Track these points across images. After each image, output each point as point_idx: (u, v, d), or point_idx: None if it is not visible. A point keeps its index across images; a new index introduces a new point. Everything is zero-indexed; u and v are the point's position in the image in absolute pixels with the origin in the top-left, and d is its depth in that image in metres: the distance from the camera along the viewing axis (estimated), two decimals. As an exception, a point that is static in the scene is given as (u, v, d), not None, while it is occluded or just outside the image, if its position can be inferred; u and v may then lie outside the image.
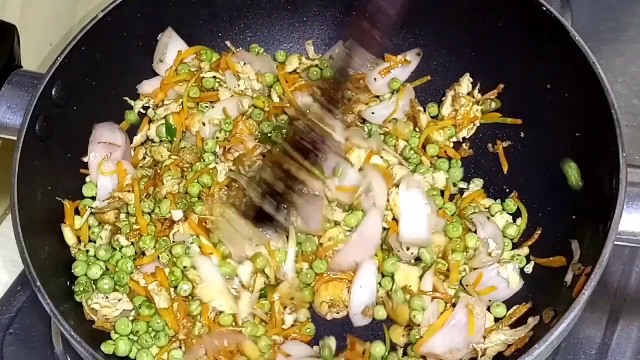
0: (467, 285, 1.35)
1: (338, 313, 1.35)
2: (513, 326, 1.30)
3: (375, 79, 1.56)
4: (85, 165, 1.46)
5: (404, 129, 1.50)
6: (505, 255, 1.37)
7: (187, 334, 1.30)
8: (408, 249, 1.35)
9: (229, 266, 1.34)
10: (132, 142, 1.53)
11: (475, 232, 1.38)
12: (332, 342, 1.34)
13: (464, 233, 1.37)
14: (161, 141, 1.52)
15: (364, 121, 1.54)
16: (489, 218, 1.39)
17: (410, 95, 1.54)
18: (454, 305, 1.31)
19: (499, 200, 1.45)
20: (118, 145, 1.46)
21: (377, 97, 1.57)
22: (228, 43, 1.60)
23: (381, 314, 1.34)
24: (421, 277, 1.35)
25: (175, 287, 1.33)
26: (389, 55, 1.56)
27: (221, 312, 1.32)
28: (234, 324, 1.32)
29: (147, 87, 1.56)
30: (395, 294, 1.33)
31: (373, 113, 1.54)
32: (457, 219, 1.40)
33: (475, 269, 1.36)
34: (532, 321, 1.27)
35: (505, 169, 1.48)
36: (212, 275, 1.32)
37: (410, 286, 1.34)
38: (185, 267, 1.32)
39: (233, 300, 1.33)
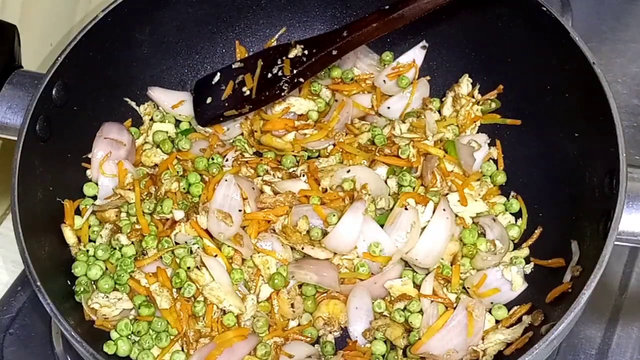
0: (468, 287, 1.35)
1: (331, 332, 1.35)
2: (511, 325, 1.30)
3: (384, 80, 1.56)
4: (87, 162, 1.46)
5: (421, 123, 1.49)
6: (505, 257, 1.38)
7: (195, 338, 1.30)
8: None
9: (239, 272, 1.34)
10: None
11: (484, 234, 1.38)
12: (331, 338, 1.34)
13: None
14: (158, 147, 1.52)
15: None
16: (494, 219, 1.39)
17: (424, 89, 1.55)
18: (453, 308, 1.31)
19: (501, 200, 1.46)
20: (123, 143, 1.47)
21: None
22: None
23: (380, 335, 1.33)
24: (420, 282, 1.36)
25: (179, 288, 1.33)
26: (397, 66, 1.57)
27: (224, 313, 1.32)
28: (236, 324, 1.32)
29: (157, 92, 1.57)
30: (396, 312, 1.33)
31: (388, 107, 1.54)
32: (472, 226, 1.40)
33: (478, 270, 1.36)
34: (527, 319, 1.27)
35: (501, 169, 1.48)
36: (220, 276, 1.32)
37: (407, 294, 1.34)
38: (188, 268, 1.33)
39: (240, 301, 1.33)
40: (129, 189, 1.42)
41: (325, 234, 1.36)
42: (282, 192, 1.42)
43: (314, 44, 1.43)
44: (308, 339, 1.34)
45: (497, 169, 1.49)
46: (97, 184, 1.46)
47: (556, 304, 1.23)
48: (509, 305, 1.34)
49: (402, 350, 1.32)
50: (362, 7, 1.57)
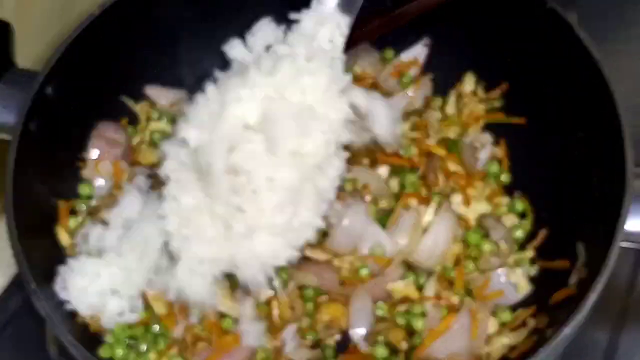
0: (472, 290, 1.34)
1: (332, 335, 1.33)
2: (515, 328, 1.30)
3: (386, 78, 1.55)
4: (82, 162, 1.45)
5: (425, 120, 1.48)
6: (510, 258, 1.36)
7: (192, 342, 1.29)
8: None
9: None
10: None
11: (488, 235, 1.37)
12: (332, 341, 1.33)
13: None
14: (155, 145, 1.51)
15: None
16: (498, 220, 1.38)
17: (426, 87, 1.54)
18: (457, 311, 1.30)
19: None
20: (119, 142, 1.46)
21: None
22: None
23: (382, 338, 1.31)
24: (422, 284, 1.35)
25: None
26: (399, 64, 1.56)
27: (222, 317, 1.31)
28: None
29: (154, 91, 1.56)
30: (398, 315, 1.32)
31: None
32: (476, 227, 1.39)
33: (482, 272, 1.35)
34: (532, 322, 1.27)
35: (506, 169, 1.47)
36: None
37: (409, 297, 1.34)
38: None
39: (239, 304, 1.31)
40: (125, 189, 1.40)
41: (325, 235, 1.34)
42: None
43: None
44: (308, 343, 1.32)
45: (501, 168, 1.47)
46: (92, 184, 1.44)
47: (562, 307, 1.22)
48: (513, 308, 1.33)
49: (404, 354, 1.30)
50: (364, 5, 1.55)
